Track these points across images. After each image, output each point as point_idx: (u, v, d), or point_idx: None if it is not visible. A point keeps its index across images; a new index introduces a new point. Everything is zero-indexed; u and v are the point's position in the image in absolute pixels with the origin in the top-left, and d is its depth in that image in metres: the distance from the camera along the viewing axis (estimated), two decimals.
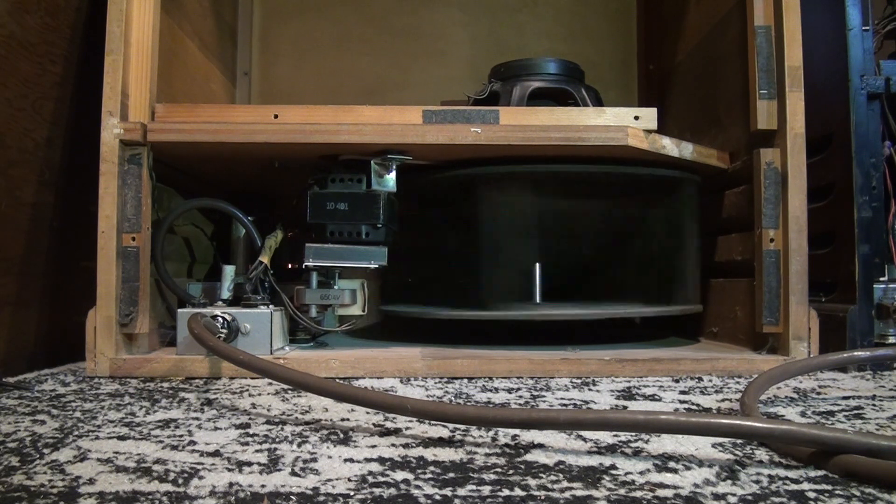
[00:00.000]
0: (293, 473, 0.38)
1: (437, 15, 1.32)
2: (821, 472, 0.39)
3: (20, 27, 0.74)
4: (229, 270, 0.80)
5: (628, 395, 0.62)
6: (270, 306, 0.76)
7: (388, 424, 0.50)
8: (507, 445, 0.45)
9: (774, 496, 0.35)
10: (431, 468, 0.40)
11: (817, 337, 0.75)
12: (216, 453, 0.42)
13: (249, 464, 0.40)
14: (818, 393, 0.64)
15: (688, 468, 0.40)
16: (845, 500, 0.34)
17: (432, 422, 0.50)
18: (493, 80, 0.94)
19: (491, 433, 0.47)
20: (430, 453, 0.43)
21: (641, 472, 0.39)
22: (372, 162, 0.79)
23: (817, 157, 0.85)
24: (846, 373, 0.76)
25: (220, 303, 0.77)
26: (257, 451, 0.43)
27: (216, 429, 0.49)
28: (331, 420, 0.52)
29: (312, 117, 0.76)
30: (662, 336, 0.96)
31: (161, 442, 0.45)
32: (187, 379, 0.71)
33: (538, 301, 0.80)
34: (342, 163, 0.81)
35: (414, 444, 0.45)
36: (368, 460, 0.41)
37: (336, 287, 0.80)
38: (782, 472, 0.39)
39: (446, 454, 0.43)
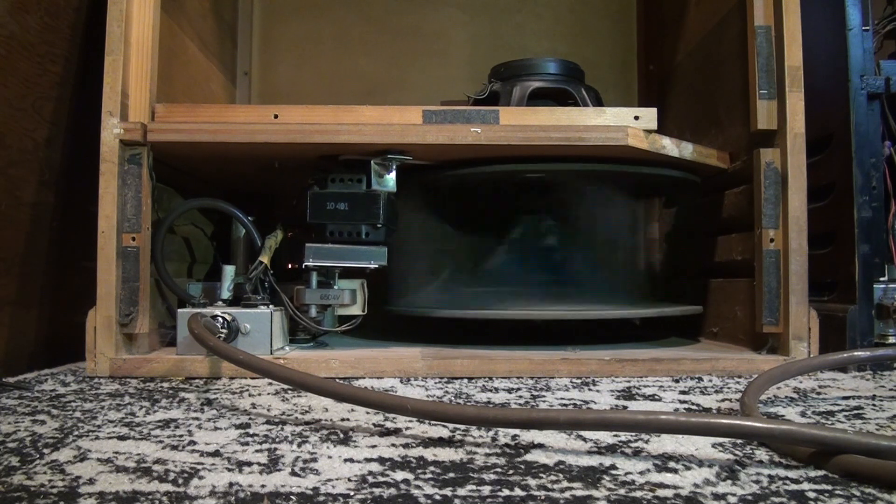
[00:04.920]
0: (293, 473, 0.38)
1: (437, 15, 1.32)
2: (821, 472, 0.39)
3: (20, 27, 0.74)
4: (229, 270, 0.80)
5: (628, 395, 0.62)
6: (270, 306, 0.76)
7: (388, 424, 0.50)
8: (507, 445, 0.45)
9: (774, 496, 0.35)
10: (431, 468, 0.40)
11: (817, 337, 0.75)
12: (216, 453, 0.42)
13: (249, 464, 0.40)
14: (818, 393, 0.64)
15: (688, 468, 0.40)
16: (845, 500, 0.34)
17: (432, 422, 0.50)
18: (493, 80, 0.94)
19: (491, 433, 0.47)
20: (430, 453, 0.43)
21: (641, 472, 0.39)
22: (372, 162, 0.79)
23: (817, 157, 0.85)
24: (846, 373, 0.76)
25: (220, 303, 0.77)
26: (257, 451, 0.43)
27: (216, 429, 0.49)
28: (331, 420, 0.52)
29: (312, 117, 0.76)
30: (662, 336, 0.96)
31: (161, 442, 0.45)
32: (187, 379, 0.71)
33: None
34: (342, 163, 0.81)
35: (414, 444, 0.45)
36: (368, 460, 0.41)
37: (336, 287, 0.80)
38: (782, 472, 0.39)
39: (446, 454, 0.43)
